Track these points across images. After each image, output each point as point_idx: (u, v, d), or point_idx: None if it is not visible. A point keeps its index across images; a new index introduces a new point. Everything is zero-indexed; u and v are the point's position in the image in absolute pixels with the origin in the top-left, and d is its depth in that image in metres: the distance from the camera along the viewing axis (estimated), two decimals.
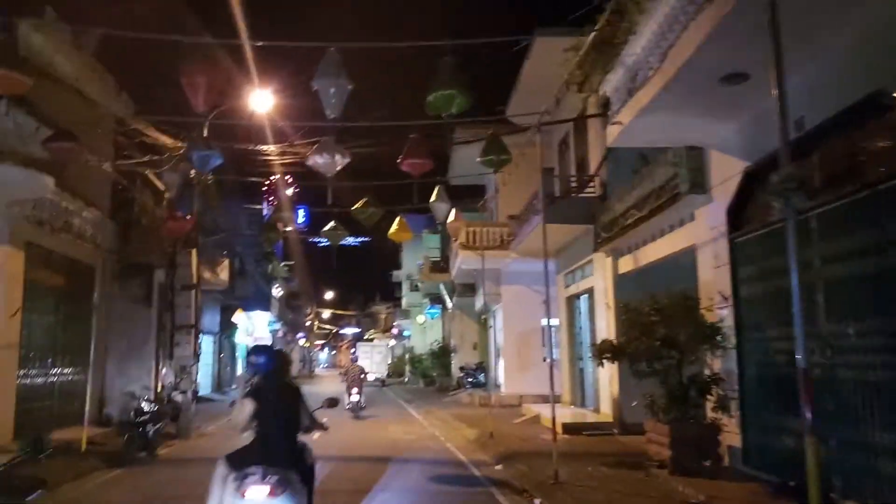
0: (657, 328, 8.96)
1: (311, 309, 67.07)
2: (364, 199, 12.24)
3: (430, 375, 36.33)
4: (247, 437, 5.41)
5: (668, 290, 9.39)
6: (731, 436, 8.94)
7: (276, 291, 44.06)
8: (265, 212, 15.02)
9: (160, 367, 15.90)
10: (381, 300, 72.30)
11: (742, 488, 8.02)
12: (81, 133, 13.15)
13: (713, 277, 9.58)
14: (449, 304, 34.61)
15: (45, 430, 11.96)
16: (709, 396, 8.94)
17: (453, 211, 13.78)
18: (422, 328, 44.83)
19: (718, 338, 8.90)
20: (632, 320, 9.37)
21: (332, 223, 14.01)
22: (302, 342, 66.00)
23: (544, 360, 23.39)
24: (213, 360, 30.96)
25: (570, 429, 14.11)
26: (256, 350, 6.67)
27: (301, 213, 43.73)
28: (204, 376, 29.31)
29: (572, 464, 10.00)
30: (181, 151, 14.29)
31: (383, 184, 12.97)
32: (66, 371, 14.12)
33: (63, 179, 13.20)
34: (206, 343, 29.67)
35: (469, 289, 30.04)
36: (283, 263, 46.52)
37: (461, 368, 30.12)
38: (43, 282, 12.98)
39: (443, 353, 34.93)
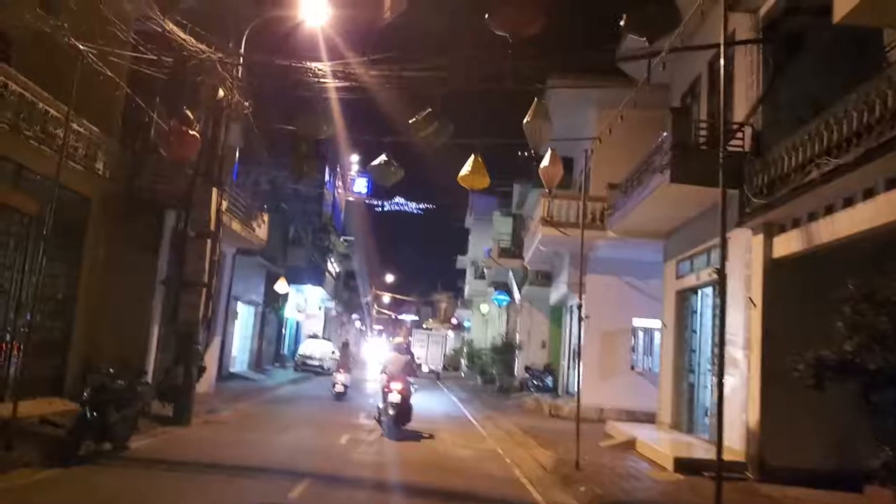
0: None
1: (370, 290, 64.27)
2: (428, 110, 8.72)
3: (490, 373, 32.84)
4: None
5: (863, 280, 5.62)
6: None
7: (333, 267, 41.18)
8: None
9: (154, 331, 12.82)
10: (443, 289, 69.03)
11: None
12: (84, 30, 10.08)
13: None
14: (517, 294, 30.94)
15: None
16: None
17: (550, 151, 10.05)
18: (484, 320, 41.32)
19: None
20: (859, 320, 5.49)
21: (382, 157, 10.50)
22: (357, 324, 63.37)
23: (632, 369, 19.81)
24: (253, 335, 28.02)
25: (685, 466, 10.30)
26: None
27: (364, 181, 40.94)
28: (241, 351, 26.51)
29: None
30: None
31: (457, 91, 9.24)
32: (38, 325, 11.07)
33: (48, 81, 10.17)
34: (247, 314, 26.93)
35: (544, 277, 26.25)
36: (342, 238, 43.75)
37: (527, 369, 26.43)
38: (3, 204, 9.94)
39: (506, 350, 31.25)
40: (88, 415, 8.24)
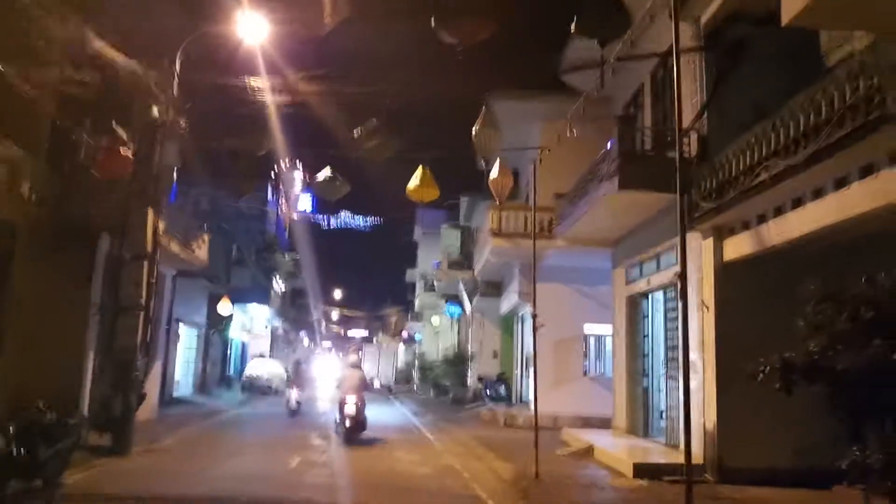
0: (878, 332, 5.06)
1: (318, 308, 63.20)
2: (372, 122, 8.46)
3: (443, 385, 32.53)
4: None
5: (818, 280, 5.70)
6: None
7: (279, 285, 40.29)
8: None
9: (89, 360, 12.15)
10: (393, 303, 68.43)
11: None
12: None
13: None
14: (468, 306, 30.75)
15: None
16: None
17: (498, 162, 9.90)
18: (434, 332, 41.00)
19: None
20: (822, 320, 5.44)
21: (326, 170, 10.17)
22: (306, 342, 62.30)
23: (585, 375, 19.81)
24: (197, 357, 27.11)
25: (644, 471, 10.23)
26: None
27: (308, 197, 40.21)
28: (185, 374, 25.59)
29: None
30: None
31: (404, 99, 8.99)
32: None
33: None
34: (190, 337, 26.04)
35: (494, 288, 26.15)
36: (287, 256, 42.88)
37: (480, 379, 26.25)
38: None
39: (458, 361, 31.03)
40: (15, 452, 7.65)
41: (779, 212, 8.74)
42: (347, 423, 14.15)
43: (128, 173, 10.33)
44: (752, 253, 9.51)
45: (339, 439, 14.38)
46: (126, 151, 9.50)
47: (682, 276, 5.93)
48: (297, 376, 22.64)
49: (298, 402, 20.78)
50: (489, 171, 10.33)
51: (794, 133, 7.66)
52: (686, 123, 11.30)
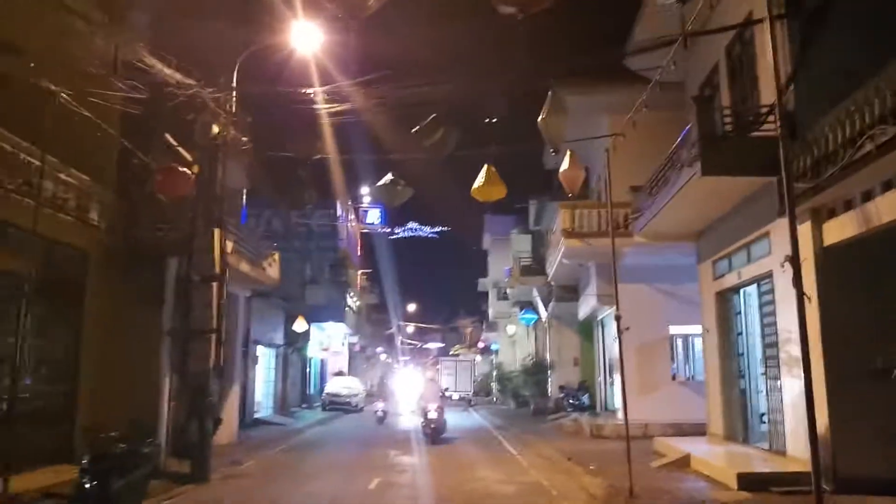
0: None
1: (394, 322, 63.43)
2: (433, 115, 8.01)
3: (523, 395, 31.77)
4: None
5: None
6: None
7: (353, 301, 40.48)
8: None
9: (164, 385, 12.09)
10: (466, 314, 68.03)
11: None
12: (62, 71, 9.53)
13: None
14: (543, 312, 29.96)
15: None
16: None
17: (568, 154, 9.26)
18: (511, 341, 40.30)
19: None
20: None
21: (388, 176, 9.79)
22: (383, 357, 62.54)
23: (673, 379, 18.78)
24: (277, 377, 27.30)
25: (750, 481, 9.35)
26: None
27: (377, 212, 40.34)
28: (265, 395, 25.77)
29: None
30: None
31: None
32: (38, 391, 10.44)
33: (31, 130, 9.58)
34: (269, 357, 26.23)
35: (569, 292, 25.27)
36: (360, 271, 43.12)
37: (561, 388, 25.44)
38: None
39: (537, 370, 30.22)
40: (88, 485, 7.49)
41: (888, 186, 7.80)
42: (431, 427, 17.30)
43: (190, 193, 10.22)
44: (857, 235, 8.55)
45: (424, 441, 17.31)
46: (186, 170, 9.34)
47: (795, 259, 5.21)
48: (381, 389, 27.82)
49: (385, 412, 24.57)
50: (559, 163, 9.74)
51: None
52: (769, 99, 10.45)
